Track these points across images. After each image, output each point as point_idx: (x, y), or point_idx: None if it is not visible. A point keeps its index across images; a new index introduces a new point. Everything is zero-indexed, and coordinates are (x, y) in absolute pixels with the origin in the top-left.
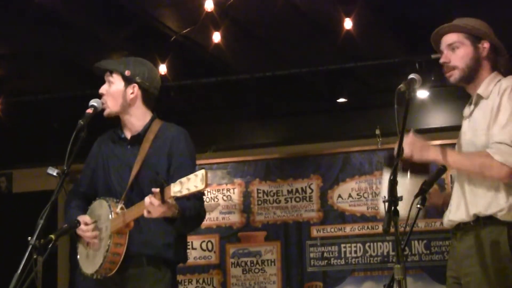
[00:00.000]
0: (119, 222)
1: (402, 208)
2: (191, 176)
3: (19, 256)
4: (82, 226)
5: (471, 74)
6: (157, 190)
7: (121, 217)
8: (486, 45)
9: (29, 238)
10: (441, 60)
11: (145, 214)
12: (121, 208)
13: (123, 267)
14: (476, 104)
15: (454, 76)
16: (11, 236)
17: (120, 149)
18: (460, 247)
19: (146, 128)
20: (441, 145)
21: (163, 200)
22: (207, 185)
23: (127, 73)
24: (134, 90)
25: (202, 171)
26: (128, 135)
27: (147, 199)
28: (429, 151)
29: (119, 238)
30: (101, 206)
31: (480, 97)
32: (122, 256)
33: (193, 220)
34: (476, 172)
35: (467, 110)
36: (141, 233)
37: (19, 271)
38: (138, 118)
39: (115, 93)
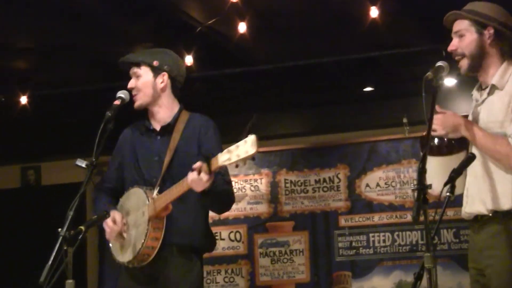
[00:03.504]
0: (157, 206)
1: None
2: (240, 143)
3: (49, 247)
4: (109, 221)
5: (478, 62)
6: (199, 164)
7: (158, 201)
8: (491, 31)
9: (59, 229)
10: (449, 48)
11: (194, 188)
12: (157, 194)
13: (155, 256)
14: (490, 93)
15: (463, 67)
16: (41, 228)
17: (149, 140)
18: (477, 238)
19: (176, 119)
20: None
21: (210, 172)
22: (258, 150)
23: (155, 63)
24: (163, 79)
25: (253, 136)
26: (157, 126)
27: (190, 175)
28: (461, 130)
29: (157, 222)
30: (135, 194)
31: (494, 87)
32: (160, 241)
33: (224, 196)
34: (498, 158)
35: (476, 94)
36: (172, 222)
37: (50, 262)
38: (167, 108)
39: (145, 84)
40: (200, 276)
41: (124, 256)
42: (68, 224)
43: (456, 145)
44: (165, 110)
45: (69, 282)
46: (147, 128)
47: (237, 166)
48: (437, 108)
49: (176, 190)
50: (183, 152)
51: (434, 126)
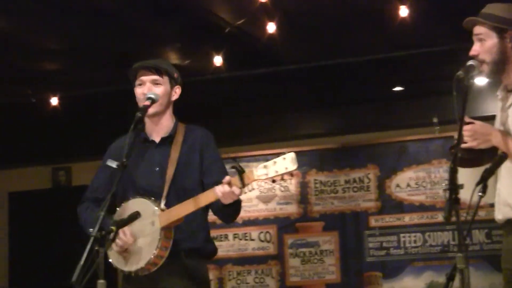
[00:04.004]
0: (172, 216)
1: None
2: (278, 159)
3: (80, 248)
4: (120, 234)
5: (501, 67)
6: (229, 178)
7: (173, 212)
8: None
9: (91, 230)
10: (470, 53)
11: (222, 200)
12: (164, 205)
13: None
14: None
15: (485, 72)
16: (71, 229)
17: (147, 151)
18: (509, 242)
19: (175, 130)
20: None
21: (243, 186)
22: (297, 167)
23: (176, 75)
24: (177, 92)
25: (292, 154)
26: (155, 137)
27: (220, 188)
28: (491, 139)
29: (168, 232)
30: (139, 204)
31: None
32: (169, 250)
33: (240, 206)
34: None
35: (502, 95)
36: (180, 229)
37: (81, 262)
38: (168, 120)
39: (164, 94)
40: (207, 279)
41: (130, 266)
42: (100, 225)
43: (487, 156)
44: (166, 122)
45: (101, 282)
46: (145, 139)
47: (274, 181)
48: (466, 118)
49: (199, 202)
50: (185, 164)
51: (464, 138)
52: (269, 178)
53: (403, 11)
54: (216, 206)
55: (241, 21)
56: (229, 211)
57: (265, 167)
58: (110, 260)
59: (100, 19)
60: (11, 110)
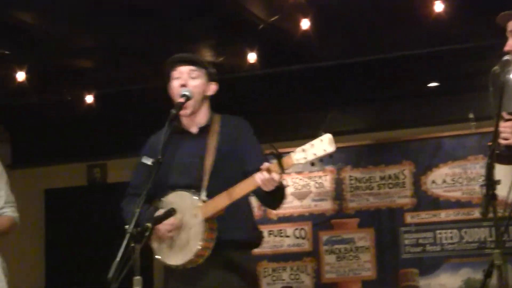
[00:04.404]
0: (215, 207)
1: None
2: (315, 141)
3: (116, 244)
4: (171, 219)
5: None
6: (267, 165)
7: (215, 202)
8: None
9: (127, 226)
10: (505, 48)
11: (263, 187)
12: (206, 196)
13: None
14: None
15: None
16: (107, 225)
17: (184, 143)
18: None
19: (211, 120)
20: None
21: (282, 171)
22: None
23: (212, 71)
24: (213, 89)
25: (328, 135)
26: (192, 128)
27: (259, 175)
28: None
29: (211, 223)
30: (179, 197)
31: None
32: (215, 242)
33: (284, 191)
34: None
35: None
36: (225, 219)
37: (118, 259)
38: (205, 112)
39: (200, 87)
40: (255, 269)
41: (175, 259)
42: (135, 221)
43: None
44: (202, 114)
45: (137, 279)
46: (182, 130)
47: (313, 164)
48: (504, 115)
49: (239, 190)
50: (224, 153)
51: (503, 135)
52: (308, 161)
53: (438, 6)
54: (259, 193)
55: (275, 18)
56: (272, 198)
57: (303, 150)
58: (157, 257)
59: (135, 17)
60: (46, 108)
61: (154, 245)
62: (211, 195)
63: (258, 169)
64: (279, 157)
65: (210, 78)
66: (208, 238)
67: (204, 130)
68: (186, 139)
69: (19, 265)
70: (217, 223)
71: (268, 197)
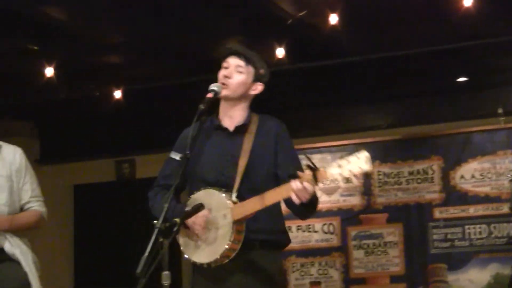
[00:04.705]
0: (244, 210)
1: None
2: (351, 158)
3: (145, 239)
4: (203, 213)
5: None
6: (303, 174)
7: (244, 206)
8: None
9: (155, 221)
10: None
11: (294, 198)
12: (236, 197)
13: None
14: None
15: None
16: (135, 220)
17: (219, 139)
18: None
19: (249, 119)
20: None
21: (316, 184)
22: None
23: (262, 71)
24: (258, 89)
25: (365, 153)
26: (229, 125)
27: (294, 183)
28: None
29: (240, 225)
30: (211, 195)
31: None
32: (241, 243)
33: (316, 203)
34: None
35: None
36: (255, 221)
37: (146, 253)
38: (243, 110)
39: (242, 83)
40: (281, 270)
41: (200, 257)
42: (164, 216)
43: None
44: (241, 111)
45: (165, 274)
46: (218, 125)
47: (347, 179)
48: None
49: (272, 197)
50: (258, 155)
51: None
52: (343, 177)
53: (467, 1)
54: (291, 202)
55: (303, 13)
56: (304, 208)
57: (339, 166)
58: (186, 256)
59: (163, 13)
60: (75, 104)
61: (181, 240)
62: (241, 196)
63: (291, 175)
64: (314, 169)
65: (257, 78)
66: (235, 240)
67: (241, 129)
68: (221, 135)
69: (49, 259)
70: (245, 225)
71: (300, 206)
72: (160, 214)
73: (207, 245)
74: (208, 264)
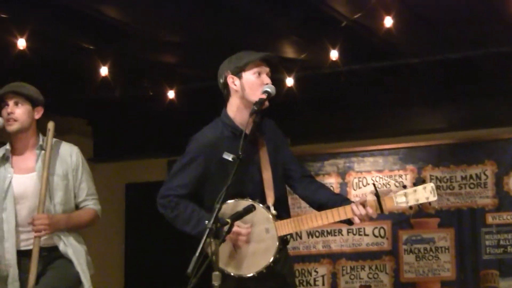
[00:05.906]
0: (291, 227)
1: None
2: (418, 188)
3: (195, 239)
4: (241, 225)
5: None
6: (365, 200)
7: (292, 223)
8: None
9: (206, 222)
10: None
11: (356, 221)
12: (274, 210)
13: None
14: None
15: None
16: None
17: (239, 143)
18: None
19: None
20: None
21: (381, 212)
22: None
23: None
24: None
25: (431, 184)
26: (246, 128)
27: (357, 209)
28: None
29: (283, 241)
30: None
31: None
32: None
33: None
34: None
35: None
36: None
37: (197, 254)
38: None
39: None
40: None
41: (241, 270)
42: (215, 217)
43: None
44: (245, 112)
45: (216, 274)
46: (236, 131)
47: (411, 208)
48: None
49: (327, 218)
50: (275, 163)
51: None
52: (408, 206)
53: None
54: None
55: (358, 15)
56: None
57: (405, 195)
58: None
59: (218, 12)
60: (128, 103)
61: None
62: (276, 209)
63: (304, 175)
64: (379, 197)
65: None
66: (278, 255)
67: (258, 133)
68: (239, 139)
69: (99, 257)
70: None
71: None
72: (185, 225)
73: (248, 258)
74: (240, 276)
